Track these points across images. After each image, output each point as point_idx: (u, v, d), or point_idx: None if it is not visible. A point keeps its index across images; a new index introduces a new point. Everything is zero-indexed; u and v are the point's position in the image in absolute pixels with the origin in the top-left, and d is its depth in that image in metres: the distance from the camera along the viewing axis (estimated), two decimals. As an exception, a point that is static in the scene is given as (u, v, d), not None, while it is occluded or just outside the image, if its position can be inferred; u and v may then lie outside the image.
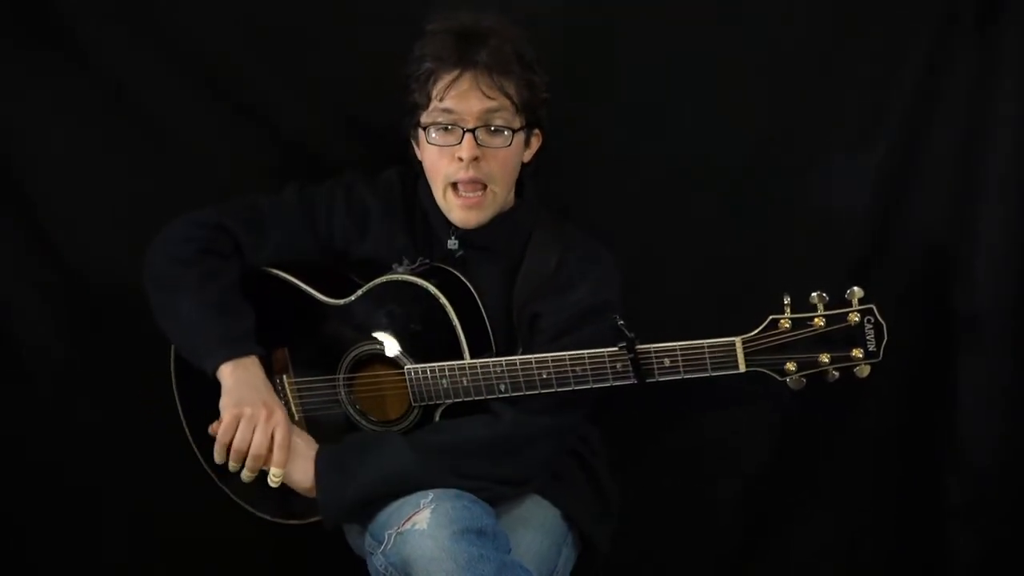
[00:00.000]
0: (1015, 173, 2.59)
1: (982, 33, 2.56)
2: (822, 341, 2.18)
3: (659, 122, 2.69)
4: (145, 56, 2.70)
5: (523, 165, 2.48)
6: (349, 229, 2.49)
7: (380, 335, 2.38)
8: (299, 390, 2.47)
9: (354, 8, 2.69)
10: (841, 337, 2.18)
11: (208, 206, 2.48)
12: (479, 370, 2.31)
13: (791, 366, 2.20)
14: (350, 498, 2.26)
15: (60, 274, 2.81)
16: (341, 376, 2.44)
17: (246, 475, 2.33)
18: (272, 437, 2.29)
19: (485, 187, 2.36)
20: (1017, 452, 2.67)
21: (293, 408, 2.46)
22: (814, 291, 2.17)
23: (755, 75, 2.66)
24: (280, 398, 2.40)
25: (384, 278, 2.38)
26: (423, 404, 2.37)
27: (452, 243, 2.44)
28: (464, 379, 2.32)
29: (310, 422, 2.46)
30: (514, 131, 2.35)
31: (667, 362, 2.24)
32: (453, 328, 2.32)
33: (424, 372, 2.34)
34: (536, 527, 2.40)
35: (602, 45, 2.67)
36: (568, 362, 2.27)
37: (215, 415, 2.33)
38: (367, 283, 2.40)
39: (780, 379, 2.22)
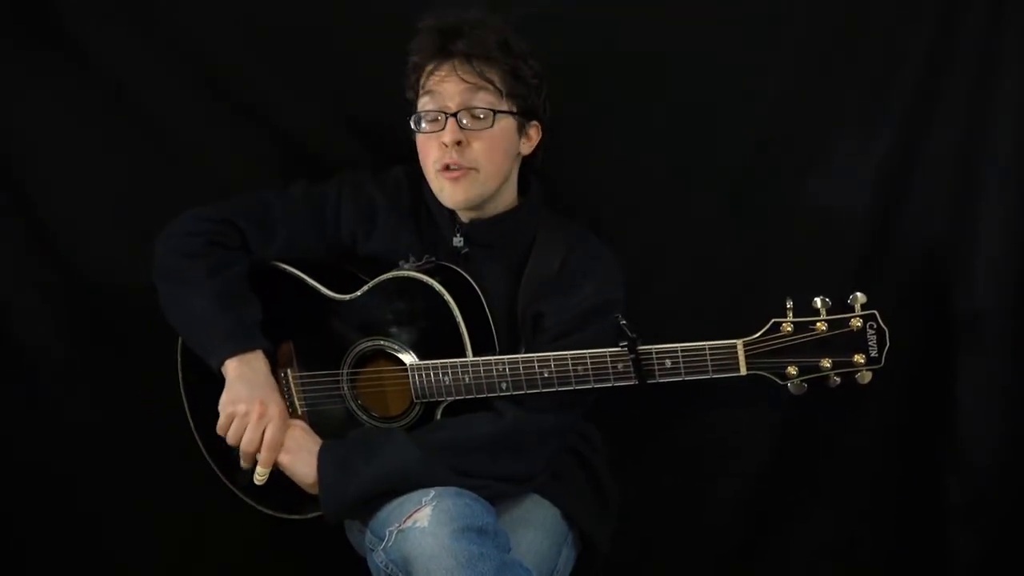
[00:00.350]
0: (1015, 173, 2.58)
1: (982, 33, 2.56)
2: (824, 346, 2.19)
3: (659, 122, 2.69)
4: (145, 56, 2.71)
5: (524, 160, 2.50)
6: (356, 225, 2.50)
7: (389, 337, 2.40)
8: (303, 384, 2.48)
9: (354, 8, 2.69)
10: (843, 342, 2.18)
11: (217, 200, 2.49)
12: (481, 368, 2.31)
13: (792, 370, 2.20)
14: (352, 494, 2.27)
15: (60, 274, 2.81)
16: (345, 371, 2.44)
17: (257, 479, 2.36)
18: (263, 436, 2.32)
19: (472, 170, 2.38)
20: (1017, 452, 2.66)
21: (296, 402, 2.47)
22: (814, 291, 2.18)
23: (755, 75, 2.66)
24: (284, 392, 2.43)
25: (389, 274, 2.39)
26: (425, 401, 2.37)
27: (457, 240, 2.46)
28: (466, 376, 2.32)
29: (313, 416, 2.47)
30: (495, 112, 2.37)
31: (668, 363, 2.24)
32: (457, 325, 2.32)
33: (427, 369, 2.34)
34: (536, 526, 2.40)
35: (602, 45, 2.66)
36: (570, 362, 2.28)
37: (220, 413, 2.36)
38: (373, 279, 2.41)
39: (781, 383, 2.23)
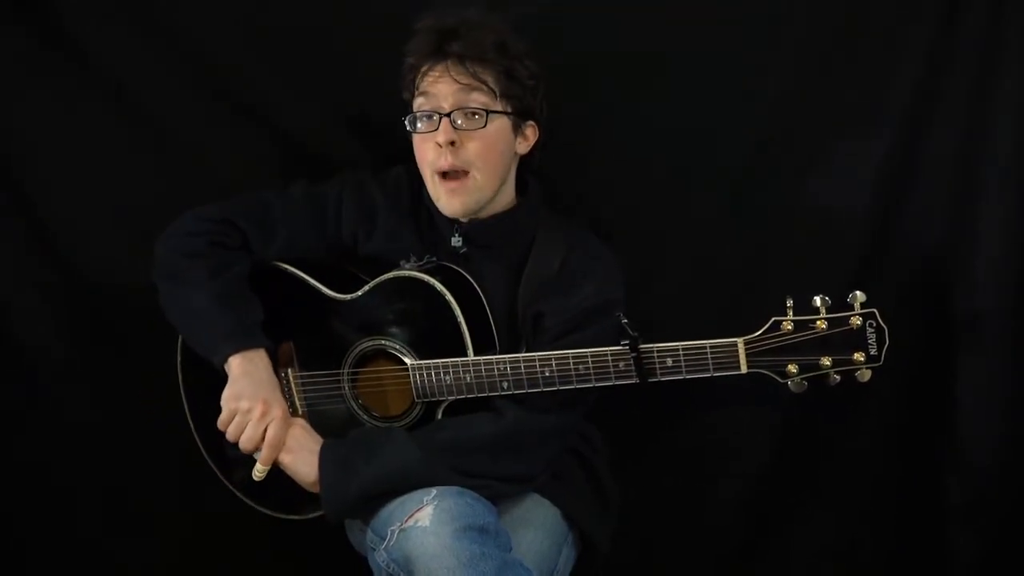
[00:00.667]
0: (1015, 173, 2.58)
1: (982, 33, 2.56)
2: (824, 344, 2.19)
3: (659, 122, 2.69)
4: (145, 56, 2.71)
5: (522, 160, 2.50)
6: (357, 225, 2.51)
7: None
8: (303, 384, 2.48)
9: (354, 8, 2.69)
10: (843, 340, 2.18)
11: (217, 201, 2.49)
12: (482, 367, 2.31)
13: (792, 368, 2.20)
14: (353, 493, 2.27)
15: (60, 274, 2.81)
16: (345, 371, 2.44)
17: (256, 475, 2.36)
18: (264, 434, 2.33)
19: (468, 173, 2.38)
20: (1017, 452, 2.66)
21: (297, 402, 2.47)
22: (814, 291, 2.18)
23: (755, 75, 2.66)
24: (285, 392, 2.43)
25: (390, 274, 2.40)
26: (426, 401, 2.37)
27: (456, 240, 2.46)
28: (467, 376, 2.32)
29: (313, 416, 2.47)
30: (489, 112, 2.37)
31: (669, 362, 2.24)
32: (457, 325, 2.32)
33: (428, 368, 2.34)
34: (537, 526, 2.40)
35: (602, 45, 2.66)
36: (571, 361, 2.28)
37: (220, 410, 2.36)
38: (373, 279, 2.41)
39: (781, 381, 2.23)
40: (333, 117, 2.76)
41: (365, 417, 2.45)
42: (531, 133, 2.48)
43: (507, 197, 2.49)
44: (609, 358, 2.26)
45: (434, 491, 2.21)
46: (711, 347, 2.22)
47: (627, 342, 2.24)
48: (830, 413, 2.72)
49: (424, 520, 2.14)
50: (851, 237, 2.68)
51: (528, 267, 2.44)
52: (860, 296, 2.17)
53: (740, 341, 2.21)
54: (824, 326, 2.18)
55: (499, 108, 2.38)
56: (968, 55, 2.58)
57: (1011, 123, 2.57)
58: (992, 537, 2.71)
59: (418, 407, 2.39)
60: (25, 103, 2.75)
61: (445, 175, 2.39)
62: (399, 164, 2.54)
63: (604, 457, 2.60)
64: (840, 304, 2.18)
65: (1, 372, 2.84)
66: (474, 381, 2.32)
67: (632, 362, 2.25)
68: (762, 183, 2.71)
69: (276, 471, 2.36)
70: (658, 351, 2.24)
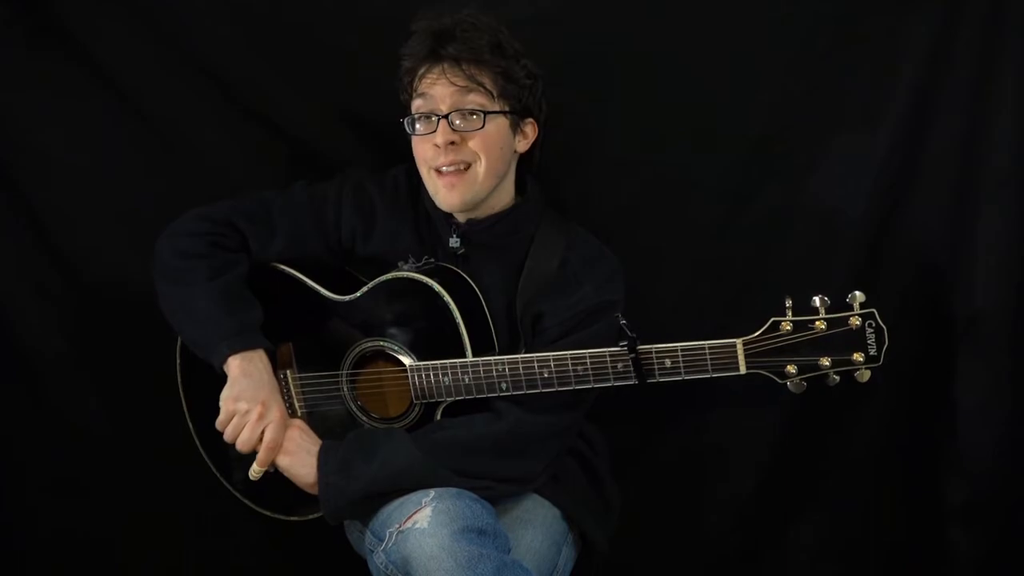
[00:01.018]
0: (1015, 173, 2.58)
1: (982, 33, 2.56)
2: (823, 344, 2.19)
3: (659, 122, 2.69)
4: (146, 56, 2.71)
5: (521, 159, 2.50)
6: (356, 226, 2.50)
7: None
8: (302, 385, 2.48)
9: (354, 8, 2.69)
10: (842, 341, 2.18)
11: (217, 201, 2.49)
12: (481, 368, 2.32)
13: (791, 368, 2.21)
14: (352, 494, 2.27)
15: (60, 274, 2.81)
16: (344, 372, 2.44)
17: (252, 475, 2.37)
18: (261, 436, 2.33)
19: (468, 167, 2.39)
20: (1017, 452, 2.66)
21: (296, 403, 2.47)
22: (814, 292, 2.19)
23: (755, 75, 2.66)
24: (283, 393, 2.43)
25: (389, 275, 2.40)
26: (425, 402, 2.38)
27: (454, 241, 2.46)
28: (466, 377, 2.32)
29: (312, 418, 2.47)
30: (486, 113, 2.37)
31: (668, 363, 2.25)
32: (456, 326, 2.32)
33: (427, 369, 2.34)
34: (536, 526, 2.40)
35: (602, 45, 2.66)
36: (569, 361, 2.28)
37: (219, 410, 2.36)
38: (372, 280, 2.41)
39: (780, 382, 2.23)
40: (333, 117, 2.75)
41: (364, 418, 2.45)
42: (530, 131, 2.48)
43: (506, 196, 2.49)
44: (608, 359, 2.26)
45: (433, 492, 2.21)
46: (710, 348, 2.22)
47: (625, 343, 2.24)
48: (830, 414, 2.72)
49: (423, 521, 2.15)
50: (851, 237, 2.68)
51: (527, 267, 2.44)
52: (859, 296, 2.17)
53: (739, 342, 2.21)
54: (823, 326, 2.18)
55: (496, 108, 2.38)
56: (968, 55, 2.57)
57: (1011, 123, 2.57)
58: (992, 537, 2.71)
59: (417, 408, 2.40)
60: (25, 103, 2.74)
61: (440, 170, 2.39)
62: (398, 164, 2.54)
63: (606, 459, 2.60)
64: (839, 304, 2.18)
65: (1, 372, 2.84)
66: (473, 382, 2.32)
67: (631, 363, 2.25)
68: (762, 183, 2.70)
69: (276, 472, 2.37)
70: (656, 352, 2.25)
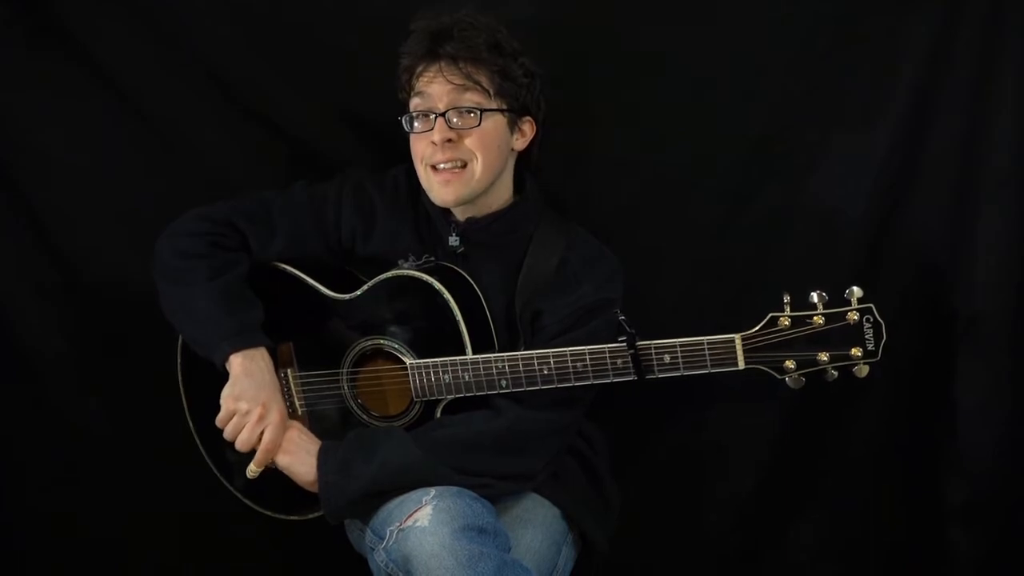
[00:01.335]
0: (1015, 173, 2.58)
1: (982, 33, 2.56)
2: (821, 339, 2.19)
3: (659, 122, 2.69)
4: (146, 56, 2.71)
5: (520, 157, 2.51)
6: (356, 226, 2.51)
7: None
8: (303, 384, 2.48)
9: (354, 8, 2.69)
10: (840, 336, 2.19)
11: (217, 201, 2.50)
12: (481, 366, 2.32)
13: (790, 364, 2.21)
14: (352, 493, 2.27)
15: (60, 274, 2.81)
16: (344, 371, 2.45)
17: (249, 473, 2.37)
18: (260, 437, 2.34)
19: (465, 165, 2.39)
20: (1017, 452, 2.66)
21: (296, 402, 2.47)
22: (814, 290, 2.18)
23: (755, 75, 2.66)
24: (284, 392, 2.43)
25: (389, 273, 2.40)
26: (425, 400, 2.38)
27: (453, 239, 2.46)
28: (466, 374, 2.32)
29: (312, 416, 2.47)
30: (483, 110, 2.38)
31: (667, 358, 2.25)
32: (456, 324, 2.33)
33: (427, 367, 2.34)
34: (536, 526, 2.40)
35: (602, 45, 2.67)
36: (569, 358, 2.28)
37: (219, 410, 2.36)
38: (372, 279, 2.41)
39: (779, 377, 2.23)
40: (333, 117, 2.75)
41: (364, 416, 2.45)
42: (528, 129, 2.48)
43: (504, 194, 2.50)
44: (607, 355, 2.27)
45: (433, 491, 2.21)
46: (708, 343, 2.23)
47: (624, 339, 2.24)
48: (830, 412, 2.72)
49: (423, 520, 2.15)
50: (851, 237, 2.68)
51: (526, 266, 2.44)
52: (857, 291, 2.17)
53: (737, 337, 2.22)
54: (821, 322, 2.18)
55: (493, 106, 2.39)
56: (968, 55, 2.57)
57: (1011, 123, 2.57)
58: (992, 537, 2.71)
59: (417, 406, 2.40)
60: (25, 103, 2.75)
61: (436, 167, 2.40)
62: (398, 164, 2.55)
63: (606, 458, 2.60)
64: (837, 300, 2.19)
65: (1, 372, 2.84)
66: (473, 380, 2.33)
67: (630, 359, 2.25)
68: (762, 183, 2.71)
69: (276, 472, 2.37)
70: (655, 348, 2.25)
